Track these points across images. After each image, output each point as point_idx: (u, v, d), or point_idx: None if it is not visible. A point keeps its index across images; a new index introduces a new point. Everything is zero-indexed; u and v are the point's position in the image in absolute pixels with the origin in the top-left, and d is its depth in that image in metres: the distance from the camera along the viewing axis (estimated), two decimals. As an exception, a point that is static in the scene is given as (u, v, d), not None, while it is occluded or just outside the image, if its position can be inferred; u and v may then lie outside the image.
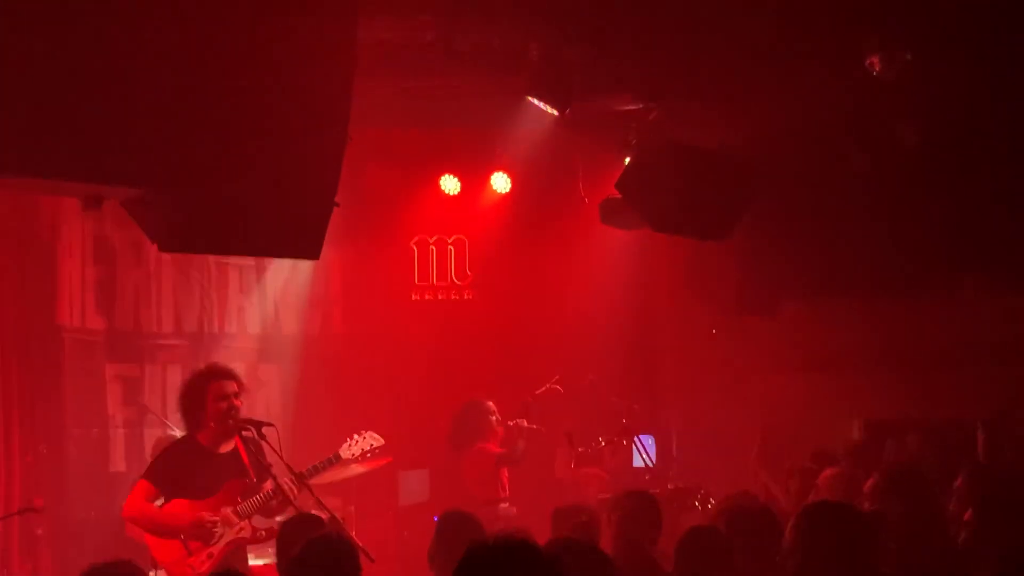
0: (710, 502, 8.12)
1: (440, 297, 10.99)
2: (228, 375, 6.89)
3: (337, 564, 4.36)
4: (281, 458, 6.55)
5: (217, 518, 6.56)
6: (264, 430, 6.61)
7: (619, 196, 8.00)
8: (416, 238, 10.97)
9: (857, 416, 10.05)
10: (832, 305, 9.76)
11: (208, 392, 6.73)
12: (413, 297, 10.95)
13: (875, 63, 6.88)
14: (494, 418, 9.13)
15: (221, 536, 6.55)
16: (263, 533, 6.75)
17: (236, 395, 6.78)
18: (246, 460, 6.79)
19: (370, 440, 7.32)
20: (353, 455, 7.27)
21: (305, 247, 6.21)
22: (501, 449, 9.03)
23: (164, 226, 5.60)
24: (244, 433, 6.66)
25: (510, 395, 9.89)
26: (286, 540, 5.05)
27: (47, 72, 5.01)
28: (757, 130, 7.68)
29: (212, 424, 6.70)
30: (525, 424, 8.93)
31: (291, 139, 5.95)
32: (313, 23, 5.91)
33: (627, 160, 8.13)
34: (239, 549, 6.71)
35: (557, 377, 9.30)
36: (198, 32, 5.55)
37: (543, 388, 9.24)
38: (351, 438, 7.31)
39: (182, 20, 5.50)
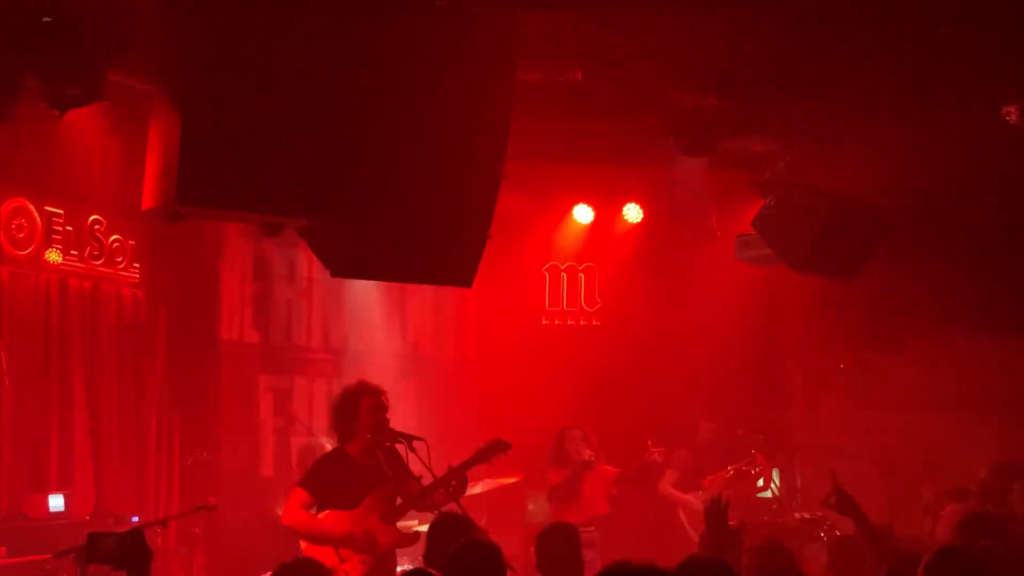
0: (836, 533, 8.26)
1: (569, 323, 11.30)
2: (379, 390, 7.33)
3: (487, 568, 4.60)
4: (430, 470, 6.93)
5: (367, 528, 6.93)
6: (415, 444, 7.01)
7: (752, 232, 8.23)
8: (548, 264, 11.33)
9: (984, 458, 10.03)
10: (961, 346, 9.79)
11: (362, 405, 7.15)
12: (543, 322, 11.29)
13: (1012, 112, 7.00)
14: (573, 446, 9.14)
15: (371, 544, 6.94)
16: (410, 537, 7.19)
17: (386, 408, 7.23)
18: (387, 469, 7.17)
19: (499, 447, 7.67)
20: (485, 459, 7.61)
21: (460, 274, 6.62)
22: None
23: (337, 253, 6.07)
24: (397, 444, 7.08)
25: (633, 419, 10.16)
26: (437, 538, 5.36)
27: (245, 114, 5.51)
28: (891, 173, 7.85)
29: (366, 435, 7.10)
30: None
31: (452, 174, 6.34)
32: (476, 65, 6.28)
33: (761, 198, 8.36)
34: (388, 554, 7.09)
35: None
36: (370, 75, 5.98)
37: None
38: (482, 444, 7.70)
39: (353, 64, 5.96)
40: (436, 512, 6.63)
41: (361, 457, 7.18)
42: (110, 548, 4.08)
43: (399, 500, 7.12)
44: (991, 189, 8.22)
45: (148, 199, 5.74)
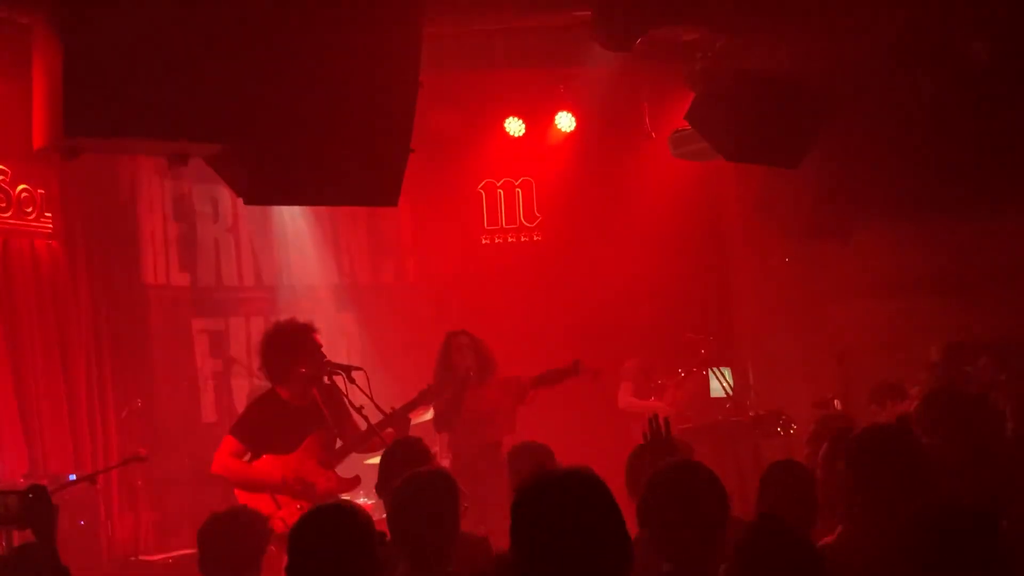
0: (792, 427, 8.17)
1: (510, 240, 11.07)
2: (310, 325, 7.01)
3: (437, 499, 4.31)
4: (372, 400, 6.69)
5: (304, 473, 6.70)
6: (354, 374, 6.75)
7: (688, 127, 7.97)
8: (483, 182, 11.04)
9: (934, 340, 9.98)
10: (906, 228, 9.66)
11: (293, 343, 6.83)
12: (483, 241, 11.05)
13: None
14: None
15: (309, 489, 6.70)
16: (349, 482, 6.95)
17: (319, 344, 6.91)
18: (324, 411, 6.93)
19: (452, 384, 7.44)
20: (428, 401, 7.41)
21: (384, 194, 6.32)
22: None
23: (247, 180, 5.74)
24: (334, 377, 6.80)
25: (582, 332, 10.01)
26: (388, 468, 5.07)
27: (132, 37, 5.13)
28: (825, 55, 7.58)
29: (301, 372, 6.80)
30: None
31: (365, 87, 6.04)
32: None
33: (693, 91, 8.08)
34: (329, 498, 6.83)
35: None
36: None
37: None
38: (427, 385, 7.46)
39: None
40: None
41: (296, 399, 6.89)
42: (11, 507, 3.80)
43: (339, 443, 6.85)
44: (930, 65, 7.97)
45: (38, 137, 5.38)
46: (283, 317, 7.54)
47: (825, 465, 4.76)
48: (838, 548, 4.10)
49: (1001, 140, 8.54)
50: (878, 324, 9.96)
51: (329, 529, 3.59)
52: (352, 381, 6.78)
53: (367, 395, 6.72)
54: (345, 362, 6.99)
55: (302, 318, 7.19)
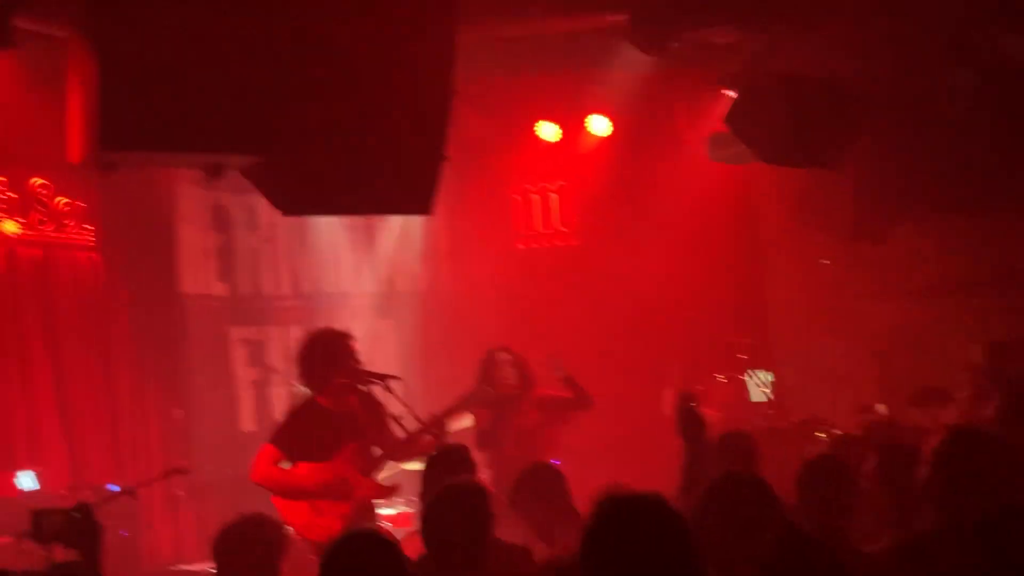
0: (835, 431, 8.07)
1: (545, 245, 11.03)
2: (346, 333, 7.00)
3: (468, 515, 4.29)
4: (409, 409, 6.68)
5: (343, 481, 6.65)
6: (391, 383, 6.74)
7: (725, 130, 7.91)
8: (519, 187, 11.01)
9: (977, 340, 9.84)
10: (945, 227, 9.53)
11: (329, 350, 6.83)
12: (519, 247, 11.02)
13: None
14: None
15: (348, 496, 6.65)
16: (388, 490, 6.92)
17: (355, 351, 6.91)
18: (364, 419, 6.89)
19: (482, 394, 7.39)
20: (468, 408, 7.37)
21: (419, 203, 6.30)
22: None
23: (284, 191, 5.74)
24: (372, 386, 6.79)
25: (620, 338, 9.96)
26: (430, 478, 5.05)
27: (167, 49, 5.15)
28: (862, 54, 7.49)
29: (337, 381, 6.79)
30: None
31: (400, 96, 6.01)
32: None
33: (731, 93, 8.02)
34: (367, 507, 6.82)
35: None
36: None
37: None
38: (465, 392, 7.41)
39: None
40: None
41: (334, 406, 6.85)
42: (56, 525, 3.79)
43: (378, 451, 6.83)
44: (966, 62, 7.85)
45: (74, 151, 5.40)
46: (320, 325, 7.53)
47: (880, 474, 4.68)
48: (894, 555, 4.04)
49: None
50: (919, 326, 9.82)
51: (361, 559, 3.57)
52: (389, 390, 6.76)
53: (404, 404, 6.70)
54: (382, 370, 6.98)
55: (338, 326, 7.19)
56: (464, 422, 8.14)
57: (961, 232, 9.57)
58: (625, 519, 2.88)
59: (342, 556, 3.58)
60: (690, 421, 4.73)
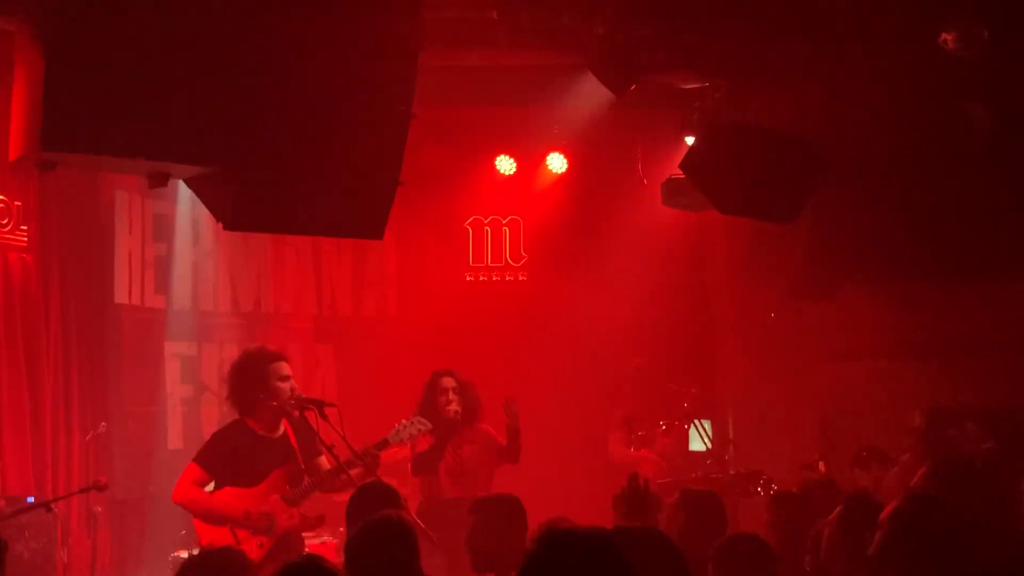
0: (772, 487, 8.00)
1: (495, 278, 10.94)
2: (283, 355, 6.82)
3: (394, 551, 4.21)
4: (343, 438, 6.49)
5: (267, 509, 6.48)
6: (326, 410, 6.55)
7: (681, 176, 7.86)
8: (471, 219, 10.93)
9: (919, 404, 9.87)
10: (894, 291, 9.58)
11: (269, 373, 6.65)
12: (467, 278, 10.91)
13: (949, 41, 6.67)
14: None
15: (271, 526, 6.47)
16: (313, 520, 6.72)
17: (290, 376, 6.73)
18: (295, 445, 6.74)
19: (418, 425, 7.22)
20: (401, 440, 7.19)
21: (369, 227, 6.16)
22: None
23: (230, 205, 5.55)
24: (306, 412, 6.60)
25: (565, 378, 9.86)
26: (353, 514, 4.94)
27: (118, 52, 4.99)
28: (824, 111, 7.50)
29: (270, 405, 6.62)
30: None
31: (357, 118, 5.90)
32: (380, 4, 5.86)
33: (689, 140, 7.98)
34: (292, 537, 6.61)
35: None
36: (267, 15, 5.51)
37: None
38: (399, 423, 7.23)
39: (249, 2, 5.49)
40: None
41: (264, 430, 6.68)
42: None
43: (306, 479, 6.63)
44: (930, 128, 7.90)
45: (15, 148, 5.20)
46: (255, 345, 7.33)
47: (837, 532, 4.59)
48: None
49: (992, 209, 8.48)
50: (861, 387, 9.86)
51: None
52: (324, 417, 6.57)
53: (339, 432, 6.52)
54: (319, 396, 6.78)
55: (273, 346, 7.00)
56: (400, 456, 7.98)
57: (906, 297, 9.64)
58: (565, 552, 2.80)
59: None
60: (637, 506, 4.62)
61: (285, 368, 6.69)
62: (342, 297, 10.59)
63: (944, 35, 6.40)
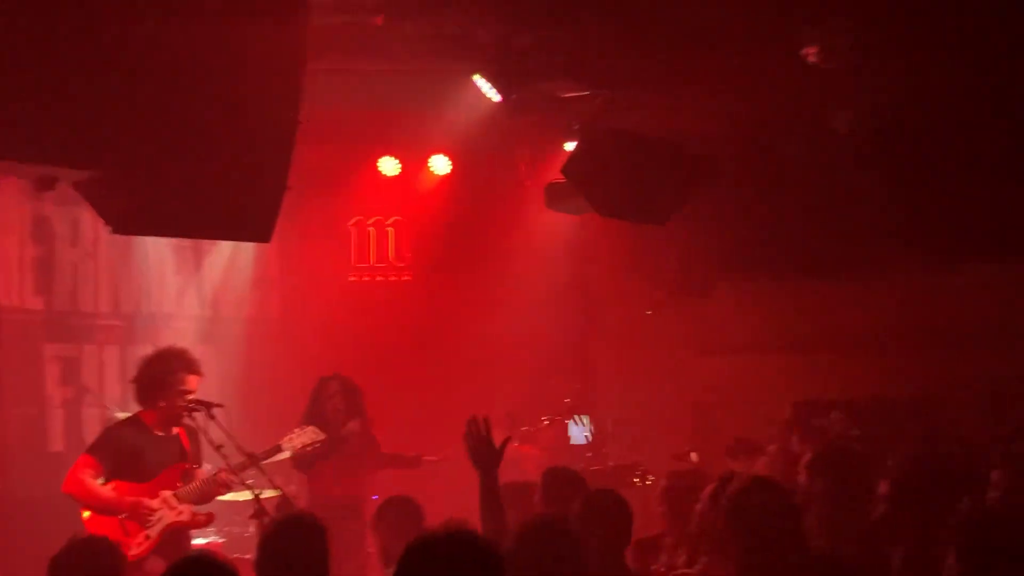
0: (649, 479, 8.31)
1: (378, 279, 11.02)
2: (198, 371, 6.88)
3: (305, 546, 4.26)
4: (231, 439, 6.57)
5: (156, 503, 6.56)
6: (214, 411, 6.63)
7: (563, 180, 8.11)
8: (354, 219, 10.98)
9: (788, 397, 10.33)
10: (766, 288, 10.01)
11: (178, 381, 6.72)
12: (351, 279, 10.96)
13: (810, 53, 7.05)
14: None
15: (159, 520, 6.56)
16: (203, 518, 6.81)
17: (193, 392, 6.81)
18: (187, 445, 6.85)
19: (311, 435, 7.38)
20: (294, 448, 7.32)
21: (257, 230, 6.23)
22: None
23: (117, 208, 5.58)
24: (194, 413, 6.67)
25: (448, 376, 10.01)
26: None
27: (3, 56, 4.96)
28: (699, 117, 7.84)
29: (163, 405, 6.71)
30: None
31: (244, 122, 5.94)
32: (266, 9, 5.92)
33: (570, 145, 8.23)
34: (179, 532, 6.71)
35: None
36: (154, 18, 5.54)
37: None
38: (293, 431, 7.38)
39: (133, 5, 5.50)
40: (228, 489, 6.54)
41: (159, 428, 6.80)
42: None
43: (198, 479, 6.75)
44: (794, 133, 8.31)
45: None
46: (144, 347, 7.36)
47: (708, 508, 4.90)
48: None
49: (852, 212, 8.96)
50: (733, 381, 10.26)
51: None
52: (212, 417, 6.65)
53: (227, 433, 6.60)
54: (206, 398, 6.83)
55: (189, 351, 7.04)
56: (284, 454, 8.05)
57: (775, 296, 10.09)
58: (435, 555, 2.93)
59: None
60: (480, 449, 4.82)
61: (192, 382, 6.77)
62: (224, 298, 10.54)
63: (806, 48, 6.76)
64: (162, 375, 6.74)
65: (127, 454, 6.64)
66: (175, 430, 6.85)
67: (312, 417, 7.80)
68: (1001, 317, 9.74)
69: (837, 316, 10.16)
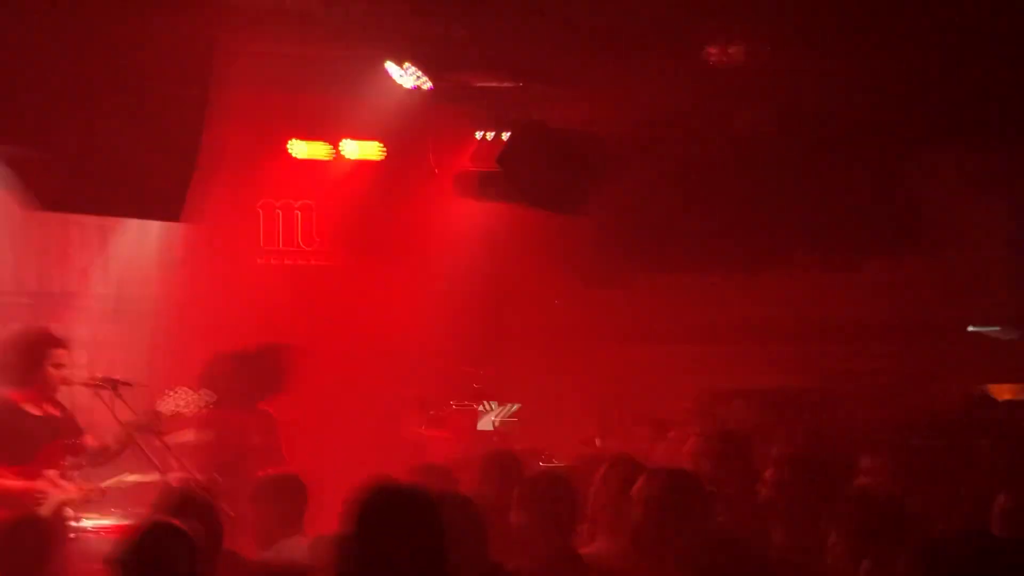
0: (553, 462, 8.46)
1: (287, 262, 10.96)
2: (63, 343, 6.82)
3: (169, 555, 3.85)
4: (137, 417, 6.54)
5: (38, 485, 6.48)
6: (120, 389, 6.59)
7: (475, 169, 8.20)
8: (262, 201, 10.90)
9: (692, 385, 10.58)
10: (673, 280, 10.25)
11: (44, 357, 6.65)
12: (259, 261, 10.89)
13: (712, 54, 7.25)
14: None
15: (45, 501, 6.47)
16: (94, 493, 6.75)
17: (65, 365, 6.77)
18: (63, 420, 6.79)
19: (185, 396, 7.25)
20: (168, 410, 7.21)
21: (167, 209, 6.22)
22: None
23: (31, 186, 5.52)
24: (100, 391, 6.62)
25: (357, 358, 10.01)
26: None
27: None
28: (613, 113, 7.99)
29: (36, 382, 6.67)
30: None
31: (155, 102, 5.94)
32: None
33: (481, 134, 8.33)
34: (61, 513, 6.58)
35: None
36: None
37: None
38: (166, 392, 7.27)
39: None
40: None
41: (33, 408, 6.72)
42: None
43: (85, 454, 6.71)
44: (701, 130, 8.53)
45: None
46: (27, 324, 7.28)
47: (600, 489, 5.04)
48: (601, 556, 4.51)
49: (756, 207, 9.22)
50: (640, 369, 10.48)
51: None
52: (119, 396, 6.62)
53: (133, 411, 6.57)
54: (114, 376, 6.79)
55: (58, 331, 6.96)
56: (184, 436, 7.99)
57: (683, 288, 10.33)
58: (384, 504, 3.09)
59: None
60: None
61: (62, 356, 6.71)
62: (130, 278, 10.39)
63: (708, 48, 6.95)
64: (32, 355, 6.67)
65: (2, 436, 6.54)
66: (50, 407, 6.78)
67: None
68: (894, 313, 10.13)
69: (740, 309, 10.46)
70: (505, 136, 8.03)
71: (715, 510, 4.86)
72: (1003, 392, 10.42)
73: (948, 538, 2.87)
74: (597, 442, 9.09)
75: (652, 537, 4.44)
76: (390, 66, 7.74)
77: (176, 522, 3.72)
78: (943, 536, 2.90)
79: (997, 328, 10.85)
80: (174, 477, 6.67)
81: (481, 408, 9.28)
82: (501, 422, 9.24)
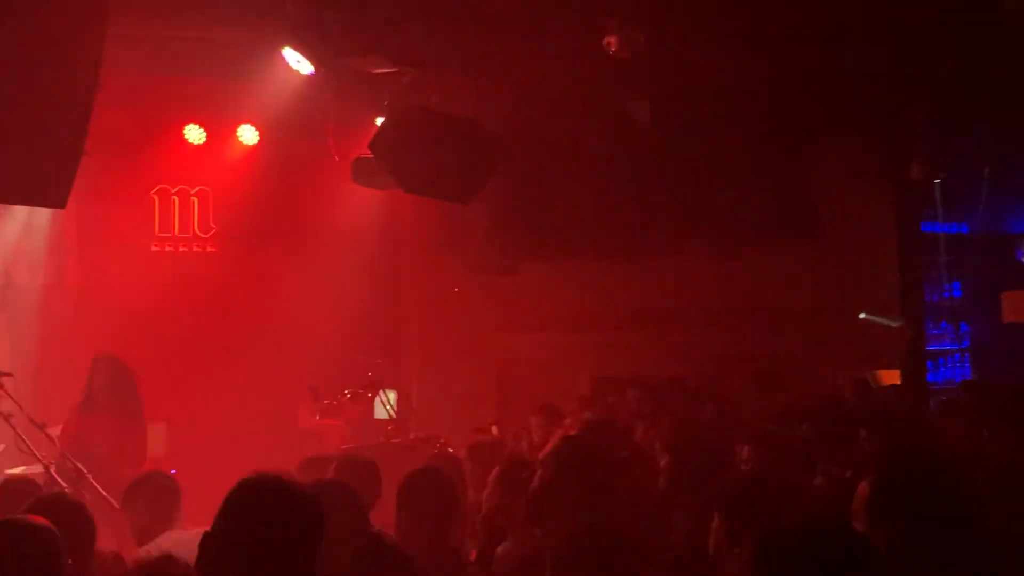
0: (449, 451, 8.51)
1: (182, 249, 10.83)
2: None
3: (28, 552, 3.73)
4: (21, 407, 6.41)
5: None
6: (3, 379, 6.45)
7: (371, 156, 8.18)
8: (157, 187, 10.75)
9: (586, 373, 10.73)
10: (568, 268, 10.36)
11: None
12: (153, 248, 10.74)
13: (611, 43, 7.32)
14: None
15: None
16: None
17: None
18: None
19: None
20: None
21: (52, 195, 6.06)
22: None
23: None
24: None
25: (251, 349, 9.94)
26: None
27: None
28: (505, 100, 8.04)
29: None
30: None
31: (39, 84, 5.79)
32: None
33: (379, 121, 8.30)
34: None
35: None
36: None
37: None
38: None
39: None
40: None
41: None
42: None
43: None
44: (595, 120, 8.63)
45: None
46: None
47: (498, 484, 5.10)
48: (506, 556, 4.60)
49: (650, 196, 9.37)
50: (536, 356, 10.60)
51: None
52: (0, 386, 6.47)
53: (16, 402, 6.43)
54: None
55: None
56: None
57: (576, 276, 10.46)
58: (250, 498, 3.10)
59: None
60: None
61: None
62: (18, 264, 10.17)
63: (607, 38, 7.03)
64: None
65: None
66: None
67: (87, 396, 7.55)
68: (778, 299, 10.38)
69: (632, 297, 10.64)
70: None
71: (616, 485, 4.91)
72: (891, 377, 10.78)
73: (787, 526, 2.92)
74: (494, 429, 9.17)
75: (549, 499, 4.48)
76: (288, 52, 7.67)
77: (38, 519, 3.64)
78: (784, 524, 2.95)
79: (883, 316, 11.19)
80: (55, 470, 6.56)
81: (376, 396, 9.27)
82: (397, 410, 9.25)
